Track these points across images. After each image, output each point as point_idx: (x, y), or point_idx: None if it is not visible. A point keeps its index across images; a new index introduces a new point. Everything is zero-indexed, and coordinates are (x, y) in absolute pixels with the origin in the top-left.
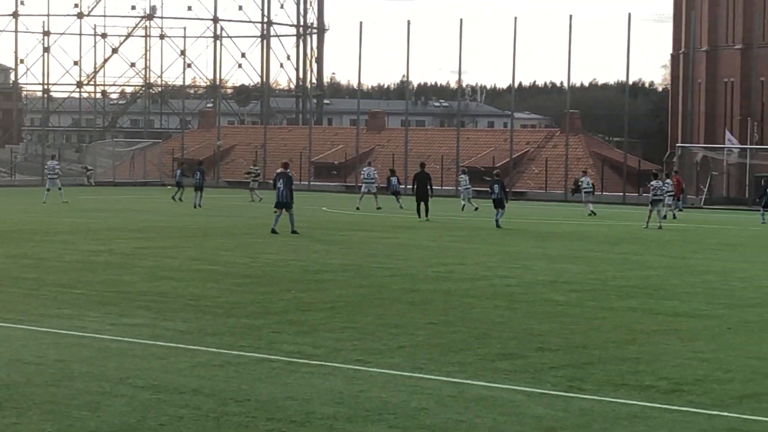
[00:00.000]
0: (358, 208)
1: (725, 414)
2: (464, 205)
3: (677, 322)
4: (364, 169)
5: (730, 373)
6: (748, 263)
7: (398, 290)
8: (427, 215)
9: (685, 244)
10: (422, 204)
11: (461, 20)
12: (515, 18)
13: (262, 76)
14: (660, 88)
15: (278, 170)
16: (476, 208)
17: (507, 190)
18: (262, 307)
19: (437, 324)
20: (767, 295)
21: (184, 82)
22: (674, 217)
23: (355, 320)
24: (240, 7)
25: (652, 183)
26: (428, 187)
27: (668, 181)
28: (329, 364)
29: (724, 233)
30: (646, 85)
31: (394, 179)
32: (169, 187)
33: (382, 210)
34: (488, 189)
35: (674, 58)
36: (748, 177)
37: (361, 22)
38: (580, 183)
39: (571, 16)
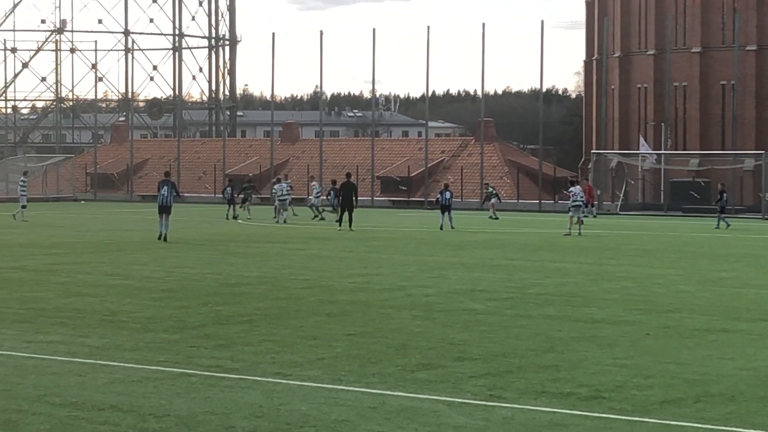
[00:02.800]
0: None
1: (646, 420)
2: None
3: (596, 328)
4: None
5: (649, 379)
6: (666, 269)
7: (316, 302)
8: (351, 226)
9: (602, 250)
10: (347, 214)
11: (374, 30)
12: (428, 27)
13: (174, 89)
14: (574, 95)
15: (162, 179)
16: (322, 218)
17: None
18: (180, 321)
19: (356, 335)
20: (684, 301)
21: (96, 95)
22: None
23: (274, 333)
24: (151, 20)
25: (571, 189)
26: (354, 197)
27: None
28: (248, 377)
29: (640, 239)
30: (560, 92)
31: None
32: (82, 201)
33: (297, 221)
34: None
35: (587, 64)
36: (663, 182)
37: (273, 33)
38: (490, 190)
39: (484, 25)
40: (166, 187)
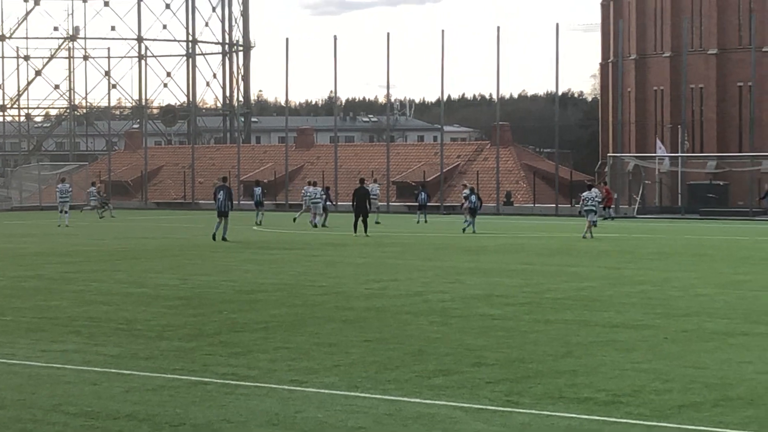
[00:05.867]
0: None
1: (664, 424)
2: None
3: (614, 333)
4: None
5: (668, 383)
6: (684, 272)
7: (332, 308)
8: (366, 231)
9: (620, 254)
10: (360, 219)
11: (388, 34)
12: (442, 31)
13: (188, 96)
14: (590, 98)
15: (219, 184)
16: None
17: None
18: (195, 329)
19: (372, 341)
20: (703, 304)
21: (109, 103)
22: (595, 225)
23: (289, 340)
24: (164, 26)
25: (583, 194)
26: (367, 202)
27: (596, 190)
28: (264, 385)
29: (658, 242)
30: (576, 95)
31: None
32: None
33: (318, 229)
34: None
35: (603, 67)
36: (681, 185)
37: (287, 39)
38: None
39: (498, 28)
40: (222, 192)
